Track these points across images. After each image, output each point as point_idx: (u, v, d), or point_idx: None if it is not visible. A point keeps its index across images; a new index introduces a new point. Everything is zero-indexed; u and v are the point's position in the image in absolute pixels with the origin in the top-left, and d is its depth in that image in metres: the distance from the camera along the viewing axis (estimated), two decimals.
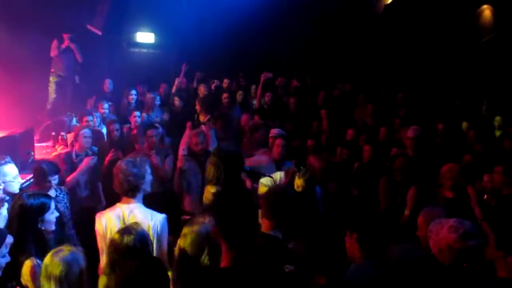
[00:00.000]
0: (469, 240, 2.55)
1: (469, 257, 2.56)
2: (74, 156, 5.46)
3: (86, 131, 5.53)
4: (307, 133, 7.38)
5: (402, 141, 6.79)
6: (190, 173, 5.27)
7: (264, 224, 3.03)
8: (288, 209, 3.03)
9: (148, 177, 3.43)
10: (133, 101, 8.24)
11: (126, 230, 2.79)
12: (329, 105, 8.64)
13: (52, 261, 2.63)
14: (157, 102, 8.10)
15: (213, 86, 9.22)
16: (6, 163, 3.80)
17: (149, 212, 3.33)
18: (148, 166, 3.46)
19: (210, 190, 3.74)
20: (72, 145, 5.65)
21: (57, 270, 2.60)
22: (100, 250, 3.35)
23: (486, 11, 11.47)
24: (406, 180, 5.02)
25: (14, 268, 2.92)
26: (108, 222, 3.30)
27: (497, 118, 8.37)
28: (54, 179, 4.30)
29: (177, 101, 8.31)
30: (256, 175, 4.15)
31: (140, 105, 8.37)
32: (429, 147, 6.32)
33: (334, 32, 11.35)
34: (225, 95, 8.55)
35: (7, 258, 2.79)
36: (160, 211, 3.38)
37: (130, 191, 3.32)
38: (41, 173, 4.21)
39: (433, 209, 3.39)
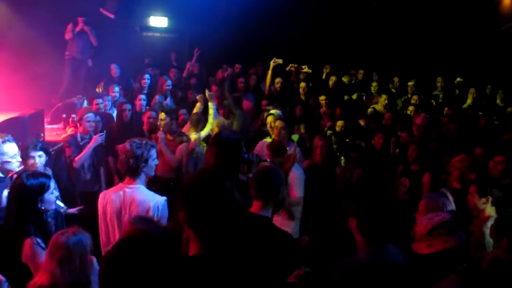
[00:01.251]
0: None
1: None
2: (79, 139, 5.52)
3: (89, 115, 5.58)
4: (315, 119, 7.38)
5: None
6: (200, 157, 5.29)
7: (253, 205, 2.98)
8: (276, 188, 3.01)
9: (152, 162, 3.40)
10: (146, 85, 8.21)
11: None
12: (339, 92, 8.59)
13: (57, 242, 2.64)
14: (169, 87, 8.07)
15: (225, 74, 9.19)
16: (5, 141, 3.82)
17: (150, 193, 3.34)
18: (154, 151, 3.43)
19: None
20: (78, 127, 5.71)
21: (60, 251, 2.61)
22: (100, 229, 3.38)
23: None
24: (422, 167, 5.05)
25: (15, 247, 2.95)
26: (108, 201, 3.34)
27: (509, 108, 8.24)
28: (40, 156, 4.24)
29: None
30: (254, 163, 4.13)
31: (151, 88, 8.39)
32: (436, 135, 6.27)
33: (350, 19, 11.20)
34: (240, 79, 8.52)
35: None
36: (169, 198, 3.38)
37: (129, 172, 3.33)
38: (24, 147, 4.17)
39: (437, 198, 3.36)
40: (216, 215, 2.03)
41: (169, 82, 7.98)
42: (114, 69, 8.73)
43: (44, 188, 3.16)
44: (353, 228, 2.77)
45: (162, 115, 5.73)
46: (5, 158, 3.80)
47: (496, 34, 11.19)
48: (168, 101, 7.69)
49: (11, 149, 3.86)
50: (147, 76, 8.26)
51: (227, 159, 3.51)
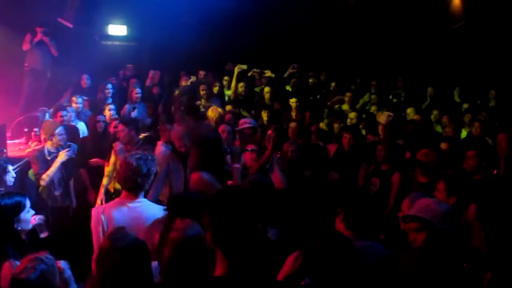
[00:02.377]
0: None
1: None
2: (47, 154, 5.37)
3: (60, 129, 5.43)
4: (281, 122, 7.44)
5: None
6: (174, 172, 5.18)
7: None
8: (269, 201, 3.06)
9: (153, 175, 3.35)
10: (109, 95, 8.09)
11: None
12: (301, 93, 8.72)
13: (18, 281, 2.44)
14: (138, 95, 7.93)
15: (189, 82, 9.15)
16: None
17: (157, 207, 3.29)
18: (155, 166, 3.36)
19: (194, 177, 3.79)
20: (44, 141, 5.54)
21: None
22: (95, 246, 3.20)
23: None
24: (392, 166, 5.12)
25: None
26: (110, 218, 3.19)
27: (465, 105, 8.58)
28: (10, 174, 4.15)
29: None
30: (237, 155, 4.20)
31: (116, 97, 8.27)
32: (401, 133, 6.43)
33: (309, 23, 11.36)
34: (202, 86, 8.52)
35: None
36: None
37: (135, 189, 3.23)
38: None
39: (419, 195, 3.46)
40: (244, 233, 1.93)
41: (138, 90, 7.90)
42: (85, 80, 8.52)
43: (20, 208, 3.07)
44: (339, 224, 2.84)
45: (120, 126, 5.50)
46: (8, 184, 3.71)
47: (447, 33, 11.63)
48: (137, 110, 7.57)
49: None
50: (109, 85, 8.15)
51: (208, 156, 3.76)
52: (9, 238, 2.97)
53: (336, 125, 7.15)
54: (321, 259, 2.20)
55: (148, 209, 3.24)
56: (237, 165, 4.01)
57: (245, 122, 5.96)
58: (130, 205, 3.23)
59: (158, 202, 3.93)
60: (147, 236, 2.98)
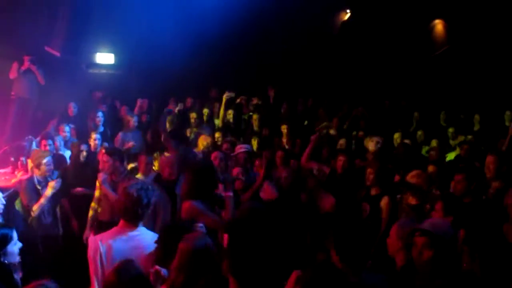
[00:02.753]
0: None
1: None
2: (36, 183, 5.33)
3: (48, 159, 5.44)
4: (270, 148, 7.44)
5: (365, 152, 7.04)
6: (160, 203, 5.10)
7: None
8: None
9: (152, 205, 3.29)
10: (100, 123, 8.04)
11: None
12: (291, 120, 8.77)
13: None
14: (135, 123, 7.95)
15: (176, 110, 9.18)
16: None
17: (154, 235, 3.21)
18: (155, 196, 3.33)
19: (185, 206, 3.76)
20: (32, 171, 5.49)
21: None
22: (92, 277, 3.12)
23: (439, 25, 11.97)
24: (382, 191, 5.10)
25: None
26: (109, 248, 3.12)
27: (451, 129, 8.69)
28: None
29: None
30: (229, 182, 4.19)
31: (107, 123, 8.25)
32: (389, 157, 6.48)
33: (294, 49, 11.53)
34: (192, 114, 8.50)
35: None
36: None
37: (135, 219, 3.19)
38: None
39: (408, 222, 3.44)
40: (261, 264, 1.93)
41: (135, 118, 7.90)
42: (72, 108, 8.48)
43: (6, 240, 3.02)
44: (334, 255, 2.75)
45: (105, 156, 5.38)
46: None
47: (431, 58, 11.88)
48: (133, 139, 7.52)
49: None
50: (99, 113, 8.11)
51: (201, 184, 3.77)
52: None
53: (324, 150, 7.18)
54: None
55: (147, 238, 3.18)
56: (229, 193, 3.98)
57: (240, 148, 5.98)
58: (130, 234, 3.17)
59: None
60: (146, 264, 2.93)
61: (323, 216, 4.70)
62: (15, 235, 3.11)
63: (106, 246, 3.13)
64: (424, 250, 2.70)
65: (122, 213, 3.20)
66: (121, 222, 3.23)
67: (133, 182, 3.24)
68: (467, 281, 2.88)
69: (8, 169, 7.02)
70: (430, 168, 5.55)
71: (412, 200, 4.65)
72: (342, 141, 7.38)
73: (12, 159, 6.92)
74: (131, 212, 3.14)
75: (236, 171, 5.30)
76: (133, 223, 3.19)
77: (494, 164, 5.14)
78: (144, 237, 3.18)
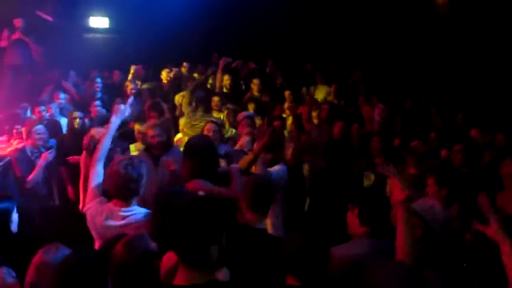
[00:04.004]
0: None
1: None
2: (29, 153, 5.26)
3: (39, 128, 5.33)
4: (269, 115, 7.36)
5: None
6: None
7: (248, 217, 2.94)
8: (272, 199, 2.99)
9: (144, 179, 3.23)
10: (98, 90, 7.91)
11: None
12: (289, 86, 8.66)
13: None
14: (135, 90, 7.76)
15: (172, 75, 9.03)
16: None
17: (149, 213, 3.16)
18: (145, 167, 3.26)
19: (191, 185, 3.61)
20: (26, 139, 5.43)
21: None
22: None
23: None
24: (386, 160, 5.02)
25: None
26: (100, 227, 3.12)
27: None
28: None
29: None
30: (235, 156, 4.09)
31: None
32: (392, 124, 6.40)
33: (294, 13, 11.28)
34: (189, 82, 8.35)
35: None
36: None
37: (128, 196, 3.13)
38: None
39: None
40: (203, 241, 1.86)
41: (134, 86, 7.78)
42: (72, 77, 8.36)
43: (11, 210, 3.03)
44: (352, 220, 2.78)
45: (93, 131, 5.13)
46: None
47: (434, 19, 11.60)
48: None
49: None
50: (98, 80, 8.00)
51: (202, 165, 3.60)
52: (3, 243, 2.92)
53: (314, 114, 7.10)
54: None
55: (139, 215, 3.13)
56: (234, 165, 3.89)
57: (241, 115, 5.80)
58: (122, 213, 3.11)
59: None
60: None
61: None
62: (14, 204, 3.11)
63: (96, 226, 3.13)
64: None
65: (115, 193, 3.14)
66: (114, 200, 3.17)
67: (118, 159, 3.18)
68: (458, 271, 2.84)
69: (3, 138, 6.97)
70: (432, 135, 5.50)
71: (412, 170, 4.66)
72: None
73: (7, 127, 6.86)
74: (123, 189, 3.09)
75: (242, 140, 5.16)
76: (126, 200, 3.13)
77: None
78: (137, 215, 3.13)
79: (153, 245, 2.33)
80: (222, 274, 2.08)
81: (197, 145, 3.73)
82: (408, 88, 9.42)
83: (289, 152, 4.80)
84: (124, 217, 3.10)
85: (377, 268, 2.02)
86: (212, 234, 1.85)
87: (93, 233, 3.19)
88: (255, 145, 4.26)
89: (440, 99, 8.69)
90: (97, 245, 3.15)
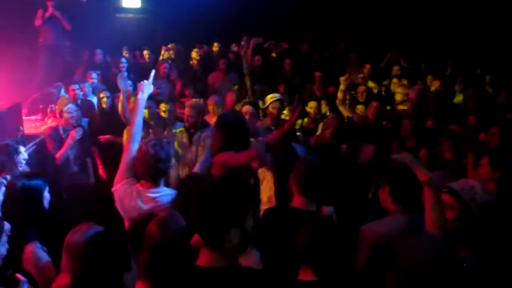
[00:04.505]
0: None
1: None
2: (61, 131, 5.32)
3: (70, 107, 5.36)
4: (300, 96, 7.26)
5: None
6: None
7: (296, 200, 2.95)
8: (324, 183, 2.95)
9: (172, 159, 3.25)
10: (124, 70, 7.95)
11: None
12: (322, 67, 8.52)
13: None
14: (166, 70, 7.89)
15: (201, 53, 9.00)
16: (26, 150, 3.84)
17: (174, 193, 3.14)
18: (173, 148, 3.32)
19: (217, 157, 3.62)
20: (60, 117, 5.49)
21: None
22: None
23: None
24: (418, 142, 4.96)
25: (16, 253, 2.85)
26: (128, 210, 3.10)
27: (488, 77, 8.25)
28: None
29: None
30: (261, 133, 4.08)
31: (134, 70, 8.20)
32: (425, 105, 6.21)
33: None
34: (222, 61, 8.31)
35: (7, 246, 2.70)
36: None
37: (157, 177, 3.11)
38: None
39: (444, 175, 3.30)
40: (227, 224, 1.84)
41: (166, 65, 7.88)
42: (98, 55, 8.42)
43: (44, 187, 3.10)
44: (384, 197, 2.79)
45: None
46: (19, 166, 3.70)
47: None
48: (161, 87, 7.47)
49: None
50: (123, 59, 8.10)
51: (232, 138, 3.58)
52: (37, 218, 2.99)
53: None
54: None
55: (170, 197, 3.10)
56: (260, 139, 3.84)
57: (273, 97, 5.74)
58: (150, 195, 3.09)
59: None
60: None
61: (363, 165, 4.52)
62: (46, 182, 3.17)
63: (124, 208, 3.12)
64: (448, 210, 2.58)
65: (145, 174, 3.11)
66: (142, 182, 3.15)
67: (147, 140, 3.18)
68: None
69: (38, 116, 7.12)
70: (471, 119, 5.32)
71: (448, 155, 4.56)
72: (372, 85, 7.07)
73: (41, 106, 6.99)
74: (152, 170, 3.06)
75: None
76: (155, 181, 3.11)
77: None
78: (166, 198, 3.10)
79: (184, 223, 2.29)
80: (251, 260, 2.06)
81: (228, 118, 3.73)
82: (443, 69, 9.13)
83: (328, 132, 4.73)
84: (151, 199, 3.08)
85: (405, 242, 2.02)
86: (232, 216, 1.83)
87: (122, 214, 3.19)
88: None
89: (479, 78, 8.38)
90: (127, 224, 3.16)
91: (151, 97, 5.40)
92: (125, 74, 7.68)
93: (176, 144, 4.73)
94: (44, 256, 2.85)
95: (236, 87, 7.16)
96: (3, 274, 2.55)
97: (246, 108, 5.05)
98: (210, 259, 1.86)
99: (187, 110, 4.71)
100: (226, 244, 1.83)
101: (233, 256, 1.89)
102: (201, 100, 5.14)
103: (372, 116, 5.55)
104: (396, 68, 8.75)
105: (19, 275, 2.59)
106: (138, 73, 8.00)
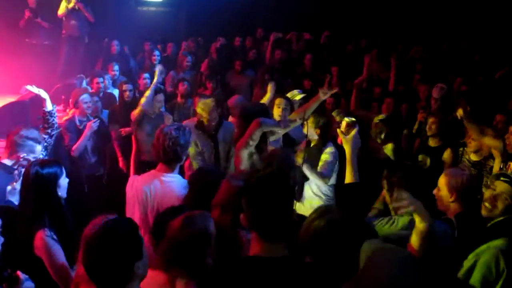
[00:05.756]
0: None
1: None
2: (77, 122, 5.35)
3: (85, 97, 5.38)
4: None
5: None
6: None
7: None
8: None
9: (188, 148, 3.38)
10: (156, 62, 7.93)
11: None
12: (342, 62, 8.40)
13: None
14: (189, 63, 7.93)
15: (218, 45, 8.96)
16: (40, 143, 3.80)
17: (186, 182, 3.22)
18: (192, 138, 3.41)
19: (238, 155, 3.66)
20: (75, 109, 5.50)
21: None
22: (127, 212, 3.29)
23: None
24: (443, 143, 4.89)
25: (28, 239, 2.90)
26: (139, 191, 3.21)
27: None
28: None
29: None
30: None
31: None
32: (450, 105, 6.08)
33: None
34: (238, 62, 8.07)
35: (2, 240, 2.77)
36: None
37: (172, 160, 3.23)
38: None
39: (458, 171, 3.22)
40: (282, 216, 1.93)
41: (189, 58, 7.92)
42: (115, 46, 8.41)
43: (58, 174, 3.10)
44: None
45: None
46: (30, 157, 3.65)
47: None
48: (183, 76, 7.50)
49: (39, 150, 3.84)
50: (156, 52, 8.12)
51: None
52: (50, 206, 3.00)
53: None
54: None
55: (180, 184, 3.19)
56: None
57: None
58: (164, 179, 3.20)
59: None
60: None
61: (381, 162, 4.49)
62: (63, 170, 3.18)
63: (135, 189, 3.21)
64: (501, 199, 2.56)
65: (162, 154, 3.22)
66: (159, 165, 3.28)
67: (169, 123, 3.27)
68: None
69: (60, 107, 7.17)
70: (498, 117, 5.18)
71: (474, 156, 4.49)
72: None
73: (63, 97, 7.05)
74: (170, 152, 3.18)
75: None
76: (170, 165, 3.23)
77: None
78: (178, 185, 3.19)
79: (212, 227, 2.28)
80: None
81: (252, 108, 3.76)
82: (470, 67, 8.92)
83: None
84: (163, 182, 3.18)
85: (372, 254, 2.01)
86: (286, 207, 1.95)
87: (129, 197, 3.26)
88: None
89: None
90: (137, 213, 3.21)
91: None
92: (160, 67, 7.75)
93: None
94: (53, 244, 2.88)
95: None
96: (2, 274, 2.57)
97: (279, 101, 4.74)
98: (267, 249, 1.93)
99: (204, 113, 4.63)
100: (283, 235, 1.93)
101: (285, 246, 1.96)
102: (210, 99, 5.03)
103: (386, 112, 5.50)
104: (419, 65, 8.58)
105: (19, 273, 2.63)
106: (165, 67, 8.04)
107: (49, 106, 4.25)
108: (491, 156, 4.34)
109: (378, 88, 7.19)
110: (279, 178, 1.99)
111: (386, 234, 2.77)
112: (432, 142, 4.96)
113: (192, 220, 2.27)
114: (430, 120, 4.97)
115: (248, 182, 2.00)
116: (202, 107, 4.61)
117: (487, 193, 2.66)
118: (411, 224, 2.65)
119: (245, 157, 3.58)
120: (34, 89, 4.29)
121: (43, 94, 4.29)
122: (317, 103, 4.10)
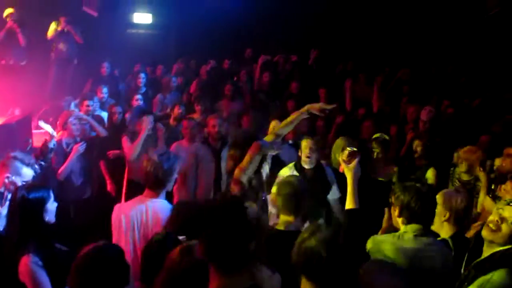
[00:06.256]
0: None
1: None
2: (64, 145, 5.33)
3: (73, 119, 5.41)
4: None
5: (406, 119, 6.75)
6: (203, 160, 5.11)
7: (281, 221, 3.01)
8: (305, 201, 3.02)
9: (175, 176, 3.39)
10: (141, 85, 7.94)
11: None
12: (330, 84, 8.48)
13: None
14: (174, 84, 7.97)
15: (208, 68, 9.02)
16: (28, 165, 3.68)
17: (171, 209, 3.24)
18: (178, 164, 3.41)
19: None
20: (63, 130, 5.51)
21: None
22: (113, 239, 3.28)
23: None
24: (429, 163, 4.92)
25: (13, 265, 2.85)
26: (126, 215, 3.23)
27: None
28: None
29: None
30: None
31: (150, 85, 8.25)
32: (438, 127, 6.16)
33: (335, 10, 11.08)
34: (227, 87, 7.97)
35: None
36: None
37: (157, 186, 3.27)
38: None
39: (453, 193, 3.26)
40: (238, 245, 1.85)
41: (173, 79, 7.99)
42: (105, 68, 8.38)
43: (46, 198, 3.05)
44: (394, 218, 2.82)
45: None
46: (18, 180, 3.58)
47: (484, 19, 11.13)
48: (169, 100, 7.55)
49: (28, 174, 3.70)
50: (142, 75, 8.07)
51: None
52: (36, 232, 2.95)
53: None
54: None
55: (163, 209, 3.21)
56: None
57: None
58: (149, 203, 3.23)
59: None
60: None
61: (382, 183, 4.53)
62: (51, 194, 3.14)
63: (124, 215, 3.23)
64: (506, 223, 2.56)
65: (145, 179, 3.29)
66: (145, 191, 3.32)
67: (156, 149, 3.32)
68: None
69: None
70: (483, 138, 5.26)
71: (464, 176, 4.56)
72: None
73: (51, 119, 7.00)
74: (152, 177, 3.23)
75: None
76: (155, 190, 3.27)
77: None
78: (163, 209, 3.22)
79: None
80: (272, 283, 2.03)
81: (243, 138, 3.73)
82: (456, 89, 9.06)
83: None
84: (148, 207, 3.21)
85: (368, 266, 2.08)
86: (242, 236, 1.86)
87: (115, 225, 3.27)
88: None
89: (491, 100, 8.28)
90: (114, 238, 3.23)
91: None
92: (143, 89, 7.76)
93: None
94: (38, 270, 2.83)
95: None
96: None
97: (306, 142, 4.59)
98: (221, 283, 1.85)
99: (212, 120, 4.99)
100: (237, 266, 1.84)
101: (248, 277, 1.89)
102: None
103: (366, 135, 5.53)
104: (406, 87, 8.68)
105: None
106: (154, 88, 8.07)
107: (53, 142, 4.19)
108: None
109: (362, 110, 7.24)
110: (233, 207, 1.93)
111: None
112: (418, 162, 5.00)
113: (190, 251, 2.25)
114: (416, 142, 5.02)
115: (201, 212, 2.00)
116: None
117: (492, 216, 2.67)
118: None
119: (245, 183, 3.56)
120: (48, 128, 4.23)
121: (50, 130, 4.25)
122: (298, 119, 3.87)
